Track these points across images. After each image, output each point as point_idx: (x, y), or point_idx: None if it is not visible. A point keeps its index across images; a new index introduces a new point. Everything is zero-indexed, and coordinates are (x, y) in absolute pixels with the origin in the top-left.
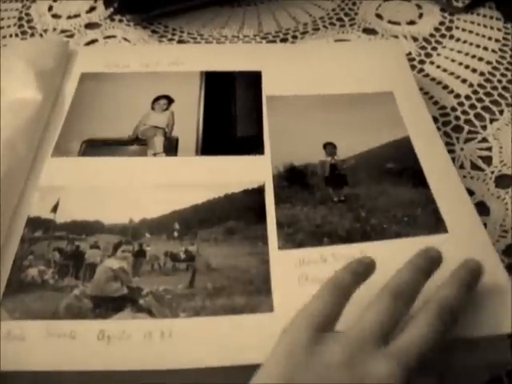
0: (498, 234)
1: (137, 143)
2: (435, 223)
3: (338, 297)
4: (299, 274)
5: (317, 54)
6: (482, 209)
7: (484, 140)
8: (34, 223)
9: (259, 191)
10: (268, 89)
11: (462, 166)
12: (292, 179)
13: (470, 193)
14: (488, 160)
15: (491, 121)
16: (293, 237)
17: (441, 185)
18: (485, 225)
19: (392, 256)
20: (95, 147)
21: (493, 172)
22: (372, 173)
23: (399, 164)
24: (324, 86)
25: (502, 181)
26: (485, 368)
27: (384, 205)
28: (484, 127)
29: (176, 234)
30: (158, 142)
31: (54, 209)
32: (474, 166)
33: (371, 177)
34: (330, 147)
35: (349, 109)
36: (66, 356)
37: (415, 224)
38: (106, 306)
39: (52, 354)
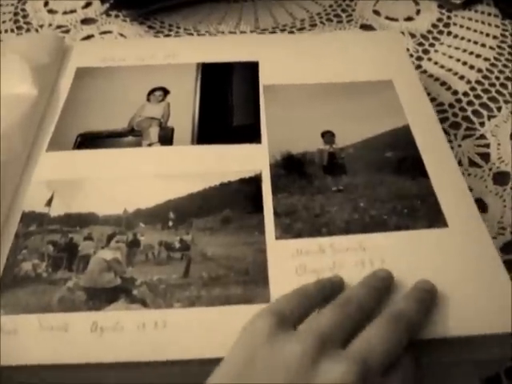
0: (495, 232)
1: (132, 135)
2: (435, 217)
3: (304, 303)
4: (297, 264)
5: (314, 44)
6: (480, 206)
7: (482, 137)
8: (28, 218)
9: (256, 180)
10: (265, 78)
11: (459, 163)
12: (289, 168)
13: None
14: (486, 157)
15: (489, 117)
16: (291, 226)
17: (441, 176)
18: None
19: (391, 249)
20: (90, 140)
21: (491, 169)
22: (371, 162)
23: (399, 153)
24: (322, 75)
25: (500, 178)
26: (484, 364)
27: (383, 195)
28: (482, 124)
29: (171, 223)
30: (153, 132)
31: (49, 202)
32: (472, 163)
33: (370, 166)
34: (328, 135)
35: (347, 97)
36: (58, 349)
37: (415, 217)
38: (100, 297)
39: (45, 347)
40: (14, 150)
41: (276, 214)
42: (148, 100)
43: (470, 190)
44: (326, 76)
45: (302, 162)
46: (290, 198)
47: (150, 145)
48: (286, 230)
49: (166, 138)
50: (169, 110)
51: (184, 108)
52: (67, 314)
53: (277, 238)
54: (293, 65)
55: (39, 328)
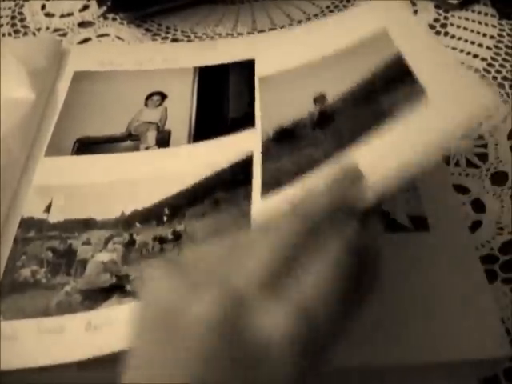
0: (493, 232)
1: (130, 139)
2: (415, 94)
3: None
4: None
5: (309, 27)
6: (478, 206)
7: (480, 137)
8: (27, 224)
9: (246, 160)
10: (260, 71)
11: (457, 164)
12: (281, 138)
13: (466, 190)
14: (484, 157)
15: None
16: (276, 182)
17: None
18: (480, 222)
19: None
20: (88, 145)
21: (488, 169)
22: (359, 98)
23: (389, 77)
24: (315, 50)
25: (498, 178)
26: (483, 364)
27: (370, 115)
28: (479, 124)
29: (165, 218)
30: (151, 136)
31: (47, 208)
32: (470, 163)
33: (359, 102)
34: (319, 98)
35: (341, 63)
36: (55, 350)
37: (396, 104)
38: (95, 297)
39: (43, 350)
40: (13, 155)
41: (264, 180)
42: (146, 105)
43: (468, 190)
44: (319, 50)
45: (293, 129)
46: (278, 163)
47: (147, 148)
48: (270, 187)
49: (164, 140)
50: (166, 115)
51: (181, 111)
52: (63, 317)
53: (262, 198)
54: (286, 52)
55: (37, 332)
